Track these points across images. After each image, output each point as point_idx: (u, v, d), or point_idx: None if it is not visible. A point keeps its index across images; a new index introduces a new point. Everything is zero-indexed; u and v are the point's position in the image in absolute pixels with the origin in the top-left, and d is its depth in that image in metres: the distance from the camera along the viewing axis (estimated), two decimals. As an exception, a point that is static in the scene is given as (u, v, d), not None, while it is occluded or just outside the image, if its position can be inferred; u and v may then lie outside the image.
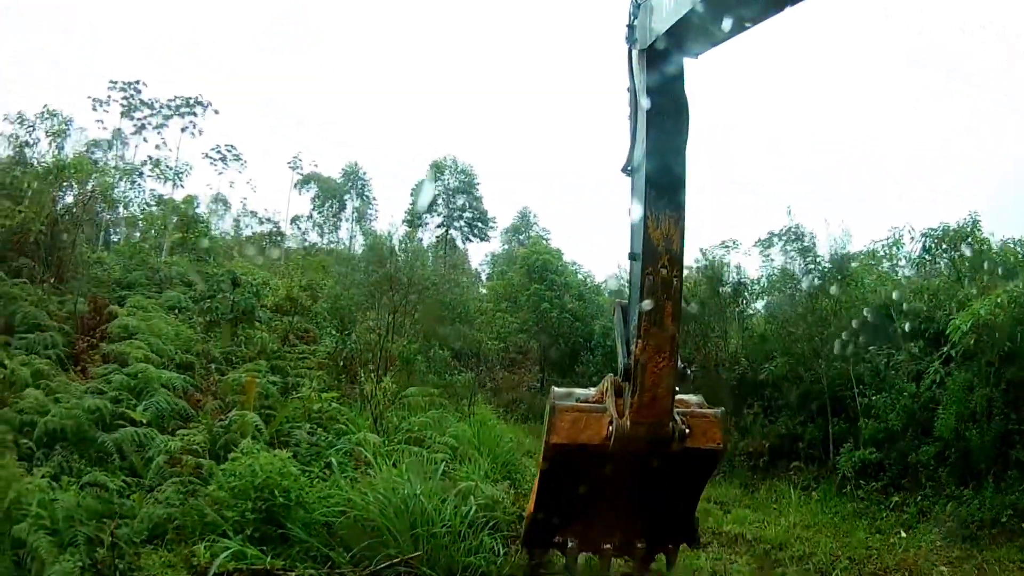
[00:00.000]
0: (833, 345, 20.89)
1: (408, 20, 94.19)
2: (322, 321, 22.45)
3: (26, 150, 25.86)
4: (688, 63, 4.64)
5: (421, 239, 46.65)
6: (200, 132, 45.56)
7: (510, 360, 32.63)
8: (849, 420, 20.68)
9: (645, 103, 4.72)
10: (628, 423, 4.61)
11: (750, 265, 27.64)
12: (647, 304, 4.49)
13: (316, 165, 53.96)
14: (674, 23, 4.13)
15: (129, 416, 12.53)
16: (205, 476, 11.36)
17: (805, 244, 25.04)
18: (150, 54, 74.44)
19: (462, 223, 53.36)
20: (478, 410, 19.94)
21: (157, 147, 43.27)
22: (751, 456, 22.43)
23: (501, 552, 10.76)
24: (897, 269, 23.60)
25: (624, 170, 5.10)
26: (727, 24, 3.93)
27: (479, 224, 53.62)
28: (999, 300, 15.77)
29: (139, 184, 39.98)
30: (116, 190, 31.63)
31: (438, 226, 52.76)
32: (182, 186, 41.93)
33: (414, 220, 49.28)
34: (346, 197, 54.53)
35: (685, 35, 4.32)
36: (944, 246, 20.69)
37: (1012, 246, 20.06)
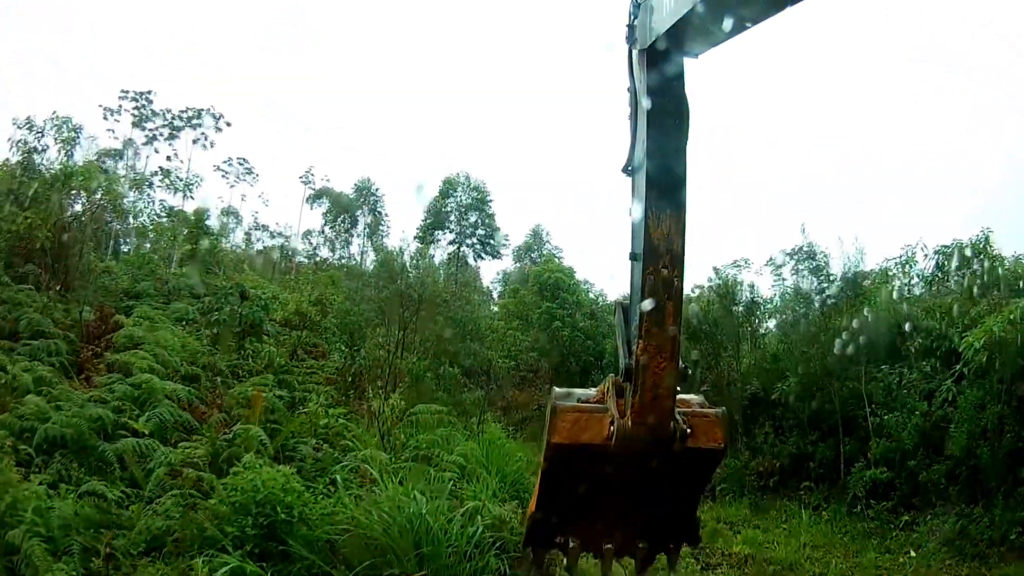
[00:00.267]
0: (845, 364, 20.76)
1: (412, 19, 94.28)
2: (331, 336, 22.39)
3: (35, 156, 25.86)
4: (689, 63, 4.53)
5: (433, 256, 46.65)
6: (212, 144, 45.84)
7: (520, 378, 32.48)
8: (860, 439, 20.50)
9: (645, 103, 4.57)
10: (629, 423, 4.45)
11: (763, 283, 27.57)
12: (648, 304, 4.33)
13: (328, 180, 54.28)
14: (674, 23, 4.04)
15: (131, 426, 12.48)
16: (206, 489, 11.26)
17: (817, 263, 24.92)
18: (150, 54, 74.88)
19: (474, 240, 53.29)
20: (487, 428, 19.77)
21: (168, 158, 43.57)
22: (761, 476, 22.29)
23: (508, 574, 10.64)
24: (910, 288, 23.36)
25: (625, 170, 4.95)
26: (727, 24, 3.86)
27: (491, 242, 53.55)
28: (1012, 316, 15.58)
29: (149, 194, 40.13)
30: (126, 200, 31.65)
31: (450, 243, 52.75)
32: (192, 197, 42.04)
33: (426, 237, 49.32)
34: (358, 213, 54.60)
35: (685, 35, 4.20)
36: (957, 263, 20.43)
37: (1024, 262, 19.80)
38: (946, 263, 20.91)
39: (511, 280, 48.07)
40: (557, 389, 5.01)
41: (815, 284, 24.93)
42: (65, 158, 26.74)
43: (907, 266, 22.47)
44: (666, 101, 4.54)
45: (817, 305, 24.49)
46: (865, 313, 21.25)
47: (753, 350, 27.27)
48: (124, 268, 24.35)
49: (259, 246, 50.04)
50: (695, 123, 4.55)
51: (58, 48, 71.12)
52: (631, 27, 4.87)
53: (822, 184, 60.49)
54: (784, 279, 26.73)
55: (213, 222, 34.67)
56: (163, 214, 37.99)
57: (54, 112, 30.23)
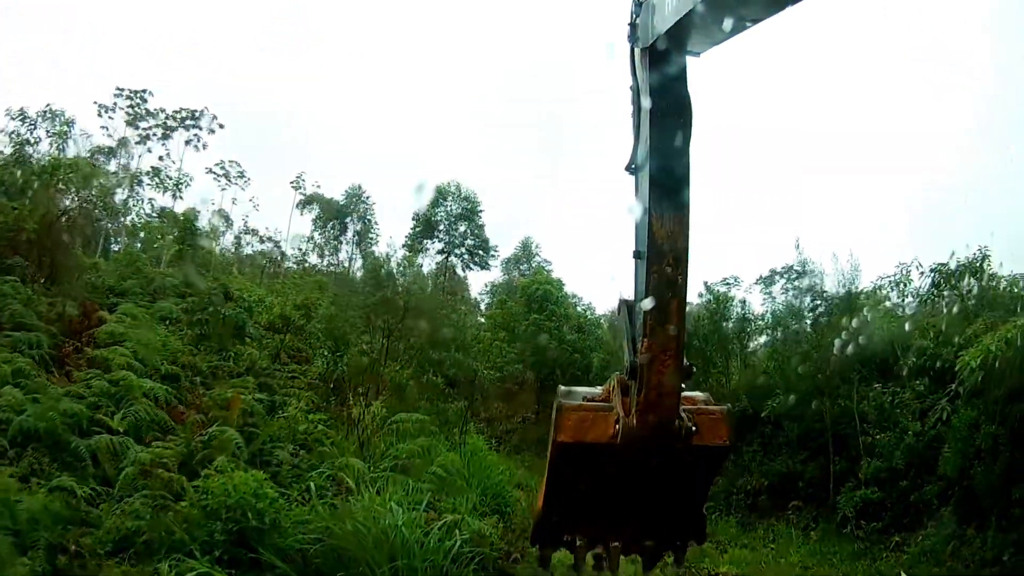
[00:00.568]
0: (837, 383, 20.44)
1: (412, 20, 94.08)
2: (316, 341, 22.05)
3: (27, 148, 25.61)
4: (691, 61, 4.39)
5: (421, 264, 46.35)
6: (204, 146, 45.53)
7: (506, 391, 32.08)
8: (851, 459, 20.24)
9: (647, 102, 4.45)
10: (635, 421, 4.34)
11: (754, 300, 27.43)
12: (652, 303, 4.26)
13: (318, 185, 53.95)
14: (676, 22, 3.93)
15: (106, 423, 12.27)
16: (177, 491, 10.95)
17: (809, 282, 24.78)
18: (150, 54, 74.47)
19: (463, 250, 53.04)
20: (470, 440, 19.44)
21: (160, 158, 43.23)
22: (749, 494, 22.02)
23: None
24: (904, 307, 23.14)
25: (627, 169, 4.81)
26: (728, 23, 3.80)
27: (480, 252, 53.29)
28: (1009, 336, 15.29)
29: (138, 192, 39.80)
30: (117, 198, 31.36)
31: (439, 252, 52.44)
32: (181, 197, 41.62)
33: (414, 245, 49.02)
34: (347, 219, 54.32)
35: (687, 34, 4.10)
36: (953, 281, 20.22)
37: (1021, 281, 19.58)
38: (942, 282, 20.64)
39: (499, 292, 47.70)
40: (562, 388, 4.96)
41: (808, 302, 24.72)
42: (57, 151, 26.41)
43: (901, 285, 22.21)
44: (668, 100, 4.42)
45: (809, 323, 24.28)
46: (857, 332, 21.07)
47: (743, 367, 27.06)
48: (112, 265, 24.10)
49: (249, 250, 49.83)
50: (697, 123, 4.40)
51: (58, 48, 70.75)
52: (633, 26, 4.76)
53: (817, 196, 60.04)
54: (774, 297, 26.64)
55: (203, 224, 34.44)
56: (153, 214, 37.63)
57: (47, 105, 29.87)
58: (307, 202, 54.07)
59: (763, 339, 27.86)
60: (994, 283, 19.58)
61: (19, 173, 20.36)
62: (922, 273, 21.35)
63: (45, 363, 14.64)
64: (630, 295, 4.78)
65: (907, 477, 18.21)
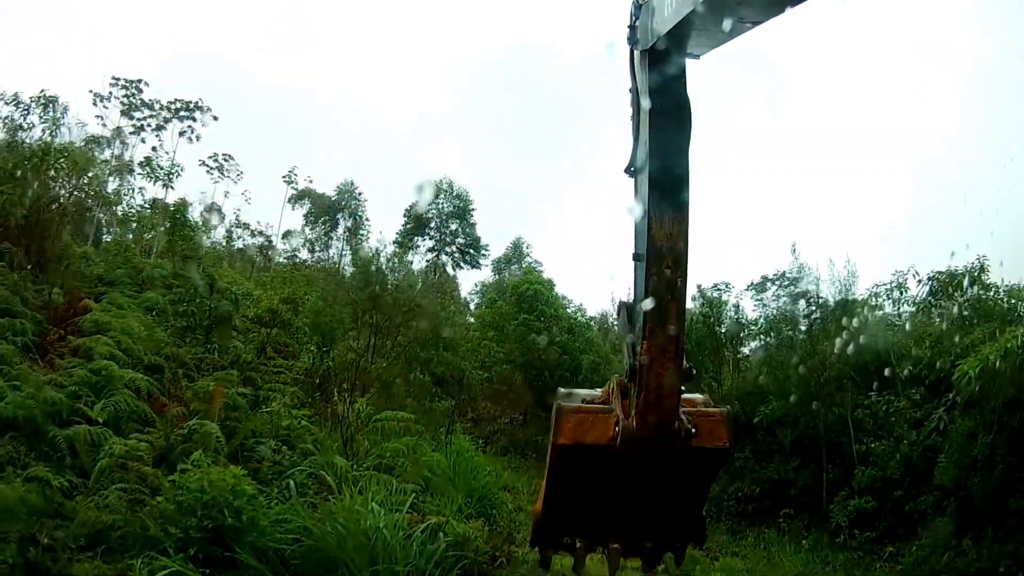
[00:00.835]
0: (831, 390, 20.28)
1: (410, 16, 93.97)
2: (303, 336, 21.76)
3: (20, 134, 25.33)
4: (691, 63, 4.57)
5: (411, 262, 46.09)
6: (198, 138, 45.27)
7: (494, 391, 31.80)
8: (844, 467, 19.94)
9: (647, 104, 4.61)
10: (634, 423, 4.43)
11: (748, 305, 27.28)
12: (651, 305, 4.34)
13: (311, 181, 53.70)
14: (675, 24, 4.04)
15: (86, 413, 11.99)
16: (155, 485, 10.68)
17: (801, 288, 24.60)
18: (150, 53, 74.28)
19: (454, 249, 52.85)
20: (456, 440, 19.18)
21: (154, 149, 42.94)
22: (740, 501, 21.77)
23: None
24: (900, 315, 22.93)
25: (627, 170, 5.01)
26: (728, 25, 3.87)
27: (471, 251, 53.07)
28: (1008, 345, 15.07)
29: (130, 181, 39.49)
30: (109, 187, 31.12)
31: (429, 250, 52.25)
32: (172, 187, 41.27)
33: (405, 242, 48.80)
34: (339, 215, 54.06)
35: (686, 36, 4.24)
36: (951, 290, 20.04)
37: (1019, 290, 19.40)
38: (940, 290, 20.45)
39: (489, 291, 47.47)
40: (562, 390, 5.13)
41: (803, 308, 24.52)
42: (49, 137, 26.09)
43: (898, 292, 22.00)
44: (667, 102, 4.54)
45: (804, 329, 24.08)
46: (852, 339, 20.91)
47: (735, 373, 26.88)
48: (101, 255, 24.07)
49: (240, 244, 49.66)
50: (696, 125, 4.53)
51: (58, 48, 70.50)
52: (632, 28, 4.88)
53: (813, 199, 60.00)
54: (766, 304, 26.49)
55: (195, 216, 34.28)
56: (146, 205, 37.31)
57: (42, 91, 29.55)
58: (299, 197, 53.85)
59: (756, 344, 27.62)
60: (992, 292, 19.37)
61: (10, 158, 20.01)
62: (919, 281, 21.13)
63: (29, 350, 14.41)
64: (629, 297, 4.93)
65: (902, 486, 17.96)
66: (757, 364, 26.27)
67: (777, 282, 26.05)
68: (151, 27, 73.55)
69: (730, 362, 27.69)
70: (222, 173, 47.39)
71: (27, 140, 24.62)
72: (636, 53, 4.91)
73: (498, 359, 31.34)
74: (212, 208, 45.16)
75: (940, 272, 20.46)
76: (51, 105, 30.23)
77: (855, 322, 21.10)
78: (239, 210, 48.08)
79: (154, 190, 40.14)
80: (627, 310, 4.88)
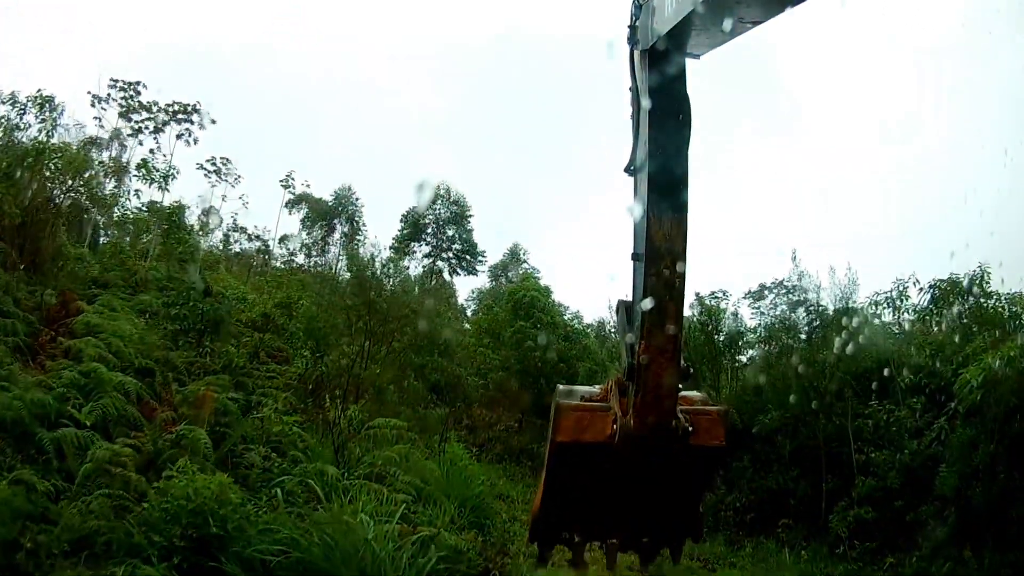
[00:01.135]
0: (831, 399, 20.16)
1: (408, 22, 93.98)
2: (297, 341, 21.56)
3: (16, 134, 25.16)
4: (691, 63, 4.68)
5: (407, 267, 45.97)
6: (196, 141, 45.15)
7: (489, 398, 31.63)
8: (844, 477, 19.77)
9: (647, 103, 4.72)
10: (632, 421, 4.50)
11: (744, 314, 27.18)
12: (649, 305, 4.43)
13: (308, 185, 53.70)
14: (675, 24, 4.11)
15: (74, 416, 11.81)
16: (143, 490, 10.44)
17: (799, 297, 24.49)
18: (150, 54, 74.23)
19: (450, 255, 52.80)
20: (450, 448, 18.95)
21: (152, 151, 42.83)
22: (738, 511, 21.58)
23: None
24: (900, 323, 22.79)
25: (627, 170, 5.09)
26: (728, 25, 3.93)
27: (468, 257, 53.04)
28: (1011, 354, 15.08)
29: (127, 184, 39.37)
30: (106, 190, 30.98)
31: (425, 256, 52.18)
32: (167, 190, 41.19)
33: (401, 247, 48.73)
34: (336, 221, 54.02)
35: (686, 36, 4.32)
36: (952, 298, 19.91)
37: (1022, 297, 19.22)
38: (941, 298, 20.31)
39: (486, 297, 47.40)
40: (561, 387, 5.27)
41: (803, 316, 24.39)
42: (45, 137, 25.92)
43: (898, 300, 21.83)
44: (667, 101, 4.62)
45: (804, 338, 23.93)
46: (853, 348, 20.79)
47: (733, 381, 26.75)
48: (97, 257, 23.85)
49: (237, 248, 49.58)
50: (696, 125, 4.64)
51: (58, 48, 70.45)
52: (632, 28, 4.95)
53: (815, 204, 59.92)
54: (763, 312, 26.39)
55: (192, 219, 34.19)
56: (141, 206, 37.21)
57: (39, 90, 29.35)
58: (296, 201, 53.73)
59: (754, 353, 27.51)
60: (993, 300, 19.24)
61: (4, 157, 19.88)
62: (920, 289, 20.98)
63: (20, 351, 14.27)
64: (628, 297, 5.00)
65: (902, 496, 17.81)
66: (755, 373, 26.16)
67: (775, 290, 25.90)
68: (151, 28, 73.35)
69: (728, 370, 27.52)
70: (220, 177, 47.32)
71: (24, 140, 24.40)
72: (636, 53, 4.95)
73: (494, 366, 31.21)
74: (209, 211, 45.03)
75: (941, 280, 20.34)
76: (47, 105, 29.97)
77: (854, 331, 21.01)
78: (236, 214, 47.95)
79: (150, 192, 40.08)
80: (626, 309, 4.94)
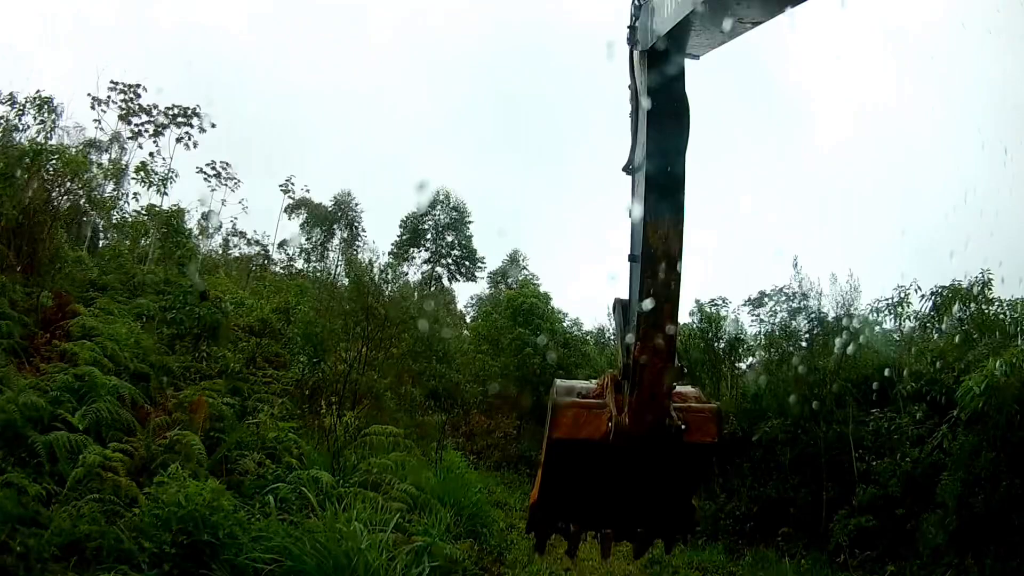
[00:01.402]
0: (831, 406, 20.05)
1: (408, 25, 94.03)
2: (294, 346, 21.45)
3: (15, 135, 25.08)
4: (690, 64, 4.64)
5: (406, 273, 45.93)
6: (195, 144, 45.08)
7: (488, 405, 31.56)
8: (844, 485, 19.63)
9: (646, 103, 4.68)
10: (627, 419, 4.56)
11: (746, 320, 27.10)
12: (646, 305, 4.42)
13: (307, 190, 53.71)
14: (675, 24, 4.09)
15: (67, 420, 11.65)
16: (134, 495, 10.32)
17: (798, 305, 24.39)
18: (150, 52, 74.32)
19: (450, 261, 52.80)
20: (447, 455, 18.84)
21: (151, 154, 42.77)
22: (738, 520, 21.45)
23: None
24: (901, 331, 22.69)
25: (625, 169, 5.02)
26: (728, 25, 3.92)
27: (467, 263, 53.03)
28: (1013, 360, 14.99)
29: (125, 186, 39.31)
30: (106, 193, 30.91)
31: (425, 262, 52.17)
32: (166, 193, 41.15)
33: (400, 253, 48.71)
34: (335, 226, 54.02)
35: (686, 36, 4.30)
36: (955, 305, 19.80)
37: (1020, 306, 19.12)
38: (943, 305, 20.22)
39: (485, 304, 47.38)
40: (558, 382, 5.22)
41: (804, 324, 24.30)
42: (44, 138, 25.83)
43: (900, 307, 21.74)
44: (666, 102, 4.59)
45: (805, 345, 23.83)
46: (854, 355, 20.67)
47: (733, 388, 26.65)
48: (95, 260, 23.69)
49: (236, 252, 49.50)
50: (696, 127, 4.63)
51: (58, 48, 70.54)
52: (632, 28, 4.90)
53: (817, 210, 59.82)
54: (762, 319, 26.31)
55: (192, 224, 34.15)
56: (140, 210, 37.18)
57: (38, 91, 29.28)
58: (295, 206, 53.71)
59: (754, 360, 27.41)
60: (995, 306, 19.16)
61: (1, 158, 19.79)
62: (922, 296, 20.88)
63: (15, 353, 14.14)
64: (625, 297, 4.93)
65: (903, 504, 17.66)
66: (755, 380, 26.07)
67: (775, 297, 25.82)
68: (151, 31, 73.47)
69: (728, 377, 27.44)
70: (219, 181, 47.27)
71: (23, 141, 24.32)
72: (635, 53, 4.90)
73: (492, 373, 31.14)
74: (209, 215, 44.98)
75: (943, 287, 20.26)
76: (46, 106, 29.90)
77: (855, 338, 20.94)
78: (235, 218, 47.86)
79: (149, 196, 40.05)
80: (622, 308, 4.92)
